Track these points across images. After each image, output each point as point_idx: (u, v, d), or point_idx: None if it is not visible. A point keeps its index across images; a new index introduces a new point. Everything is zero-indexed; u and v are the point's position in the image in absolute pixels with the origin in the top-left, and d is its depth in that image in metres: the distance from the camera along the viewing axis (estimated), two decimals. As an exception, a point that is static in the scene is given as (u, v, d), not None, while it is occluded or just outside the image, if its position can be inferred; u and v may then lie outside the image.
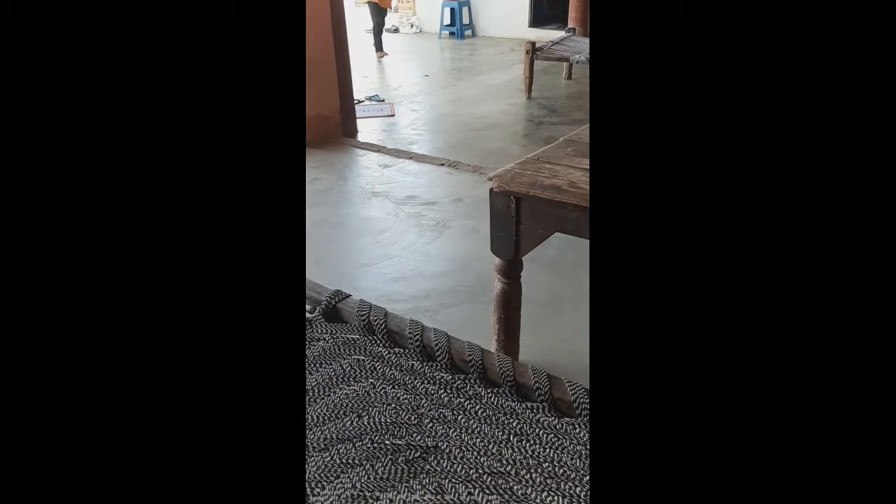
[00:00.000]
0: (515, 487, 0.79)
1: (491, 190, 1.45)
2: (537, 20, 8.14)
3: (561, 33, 5.96)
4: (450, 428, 0.91)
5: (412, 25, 9.16)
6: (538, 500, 0.78)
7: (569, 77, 5.71)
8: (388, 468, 0.84)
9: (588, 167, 1.52)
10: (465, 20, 8.41)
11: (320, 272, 2.32)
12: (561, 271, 2.35)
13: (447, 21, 8.41)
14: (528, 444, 0.87)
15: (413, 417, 0.93)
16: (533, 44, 4.93)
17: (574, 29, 6.00)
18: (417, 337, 1.07)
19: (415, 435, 0.89)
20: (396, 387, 0.99)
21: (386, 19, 7.46)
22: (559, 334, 1.96)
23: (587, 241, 1.41)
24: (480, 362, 1.02)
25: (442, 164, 3.58)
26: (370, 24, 7.31)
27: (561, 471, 0.82)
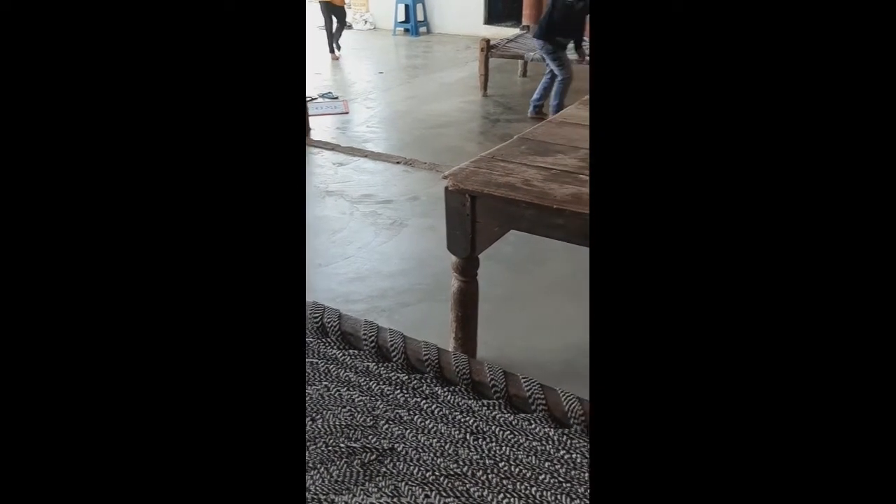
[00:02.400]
0: (472, 490, 0.79)
1: (446, 188, 1.44)
2: (492, 17, 8.18)
3: (515, 31, 6.00)
4: (406, 429, 0.90)
5: (366, 22, 9.07)
6: (494, 503, 0.78)
7: (524, 74, 5.75)
8: (343, 471, 0.82)
9: (542, 165, 1.54)
10: (420, 17, 8.38)
11: (274, 273, 2.26)
12: (518, 267, 2.37)
13: (401, 18, 8.36)
14: (484, 443, 0.87)
15: (368, 419, 0.91)
16: (488, 41, 4.95)
17: (528, 26, 6.05)
18: (372, 338, 1.06)
19: (370, 437, 0.88)
20: (351, 389, 0.97)
21: (345, 19, 7.24)
22: (517, 330, 1.98)
23: (543, 238, 1.42)
24: (437, 361, 1.02)
25: (398, 162, 3.56)
26: (322, 21, 7.16)
27: (517, 470, 0.82)
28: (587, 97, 2.28)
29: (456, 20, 8.28)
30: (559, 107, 3.99)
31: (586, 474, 0.82)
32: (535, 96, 4.32)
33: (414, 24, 8.26)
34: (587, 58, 4.61)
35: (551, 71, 4.11)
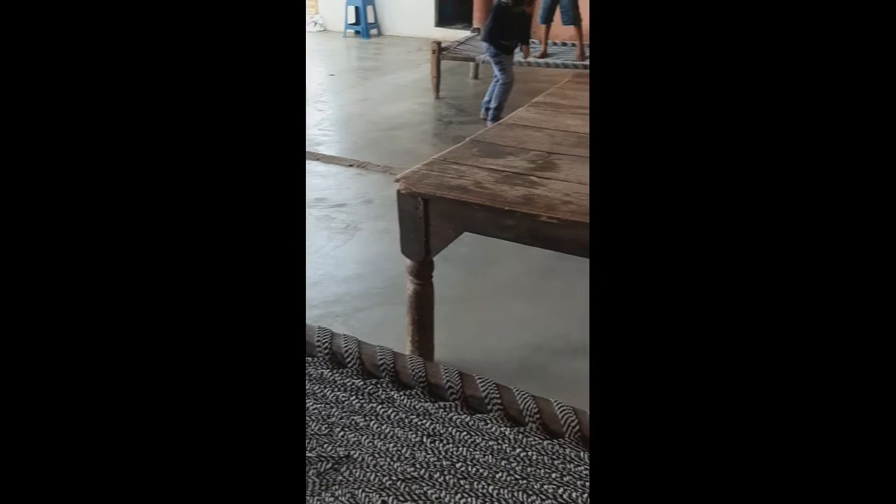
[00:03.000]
0: (430, 492, 0.79)
1: (398, 192, 1.44)
2: (443, 20, 8.21)
3: (466, 33, 6.04)
4: (362, 435, 0.89)
5: (315, 24, 8.96)
6: None
7: (476, 76, 5.80)
8: (298, 482, 0.81)
9: (494, 167, 1.55)
10: (371, 19, 8.33)
11: (225, 281, 2.21)
12: (474, 268, 2.38)
13: (352, 20, 8.30)
14: (441, 445, 0.88)
15: (324, 427, 0.91)
16: (439, 43, 4.96)
17: (479, 29, 6.10)
18: (326, 344, 1.05)
19: (325, 445, 0.87)
20: (305, 397, 0.96)
21: None
22: (473, 331, 1.99)
23: (497, 239, 1.43)
24: (392, 365, 1.01)
25: (351, 165, 3.53)
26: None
27: (474, 470, 0.83)
28: (537, 99, 2.31)
29: (407, 22, 8.27)
30: (498, 110, 4.00)
31: (542, 471, 0.83)
32: (486, 98, 4.35)
33: (364, 25, 8.21)
34: (530, 58, 4.68)
35: None
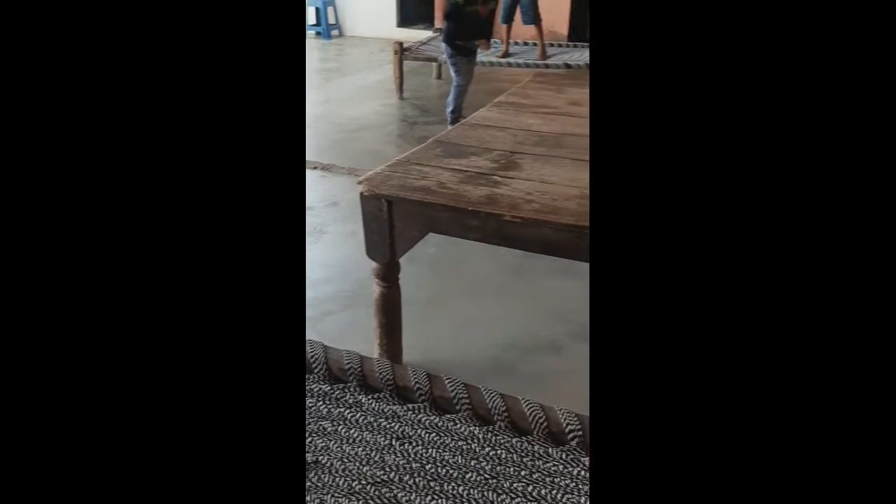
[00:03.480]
0: (400, 495, 0.79)
1: (361, 194, 1.44)
2: (405, 20, 8.19)
3: (428, 33, 6.04)
4: (330, 440, 0.89)
5: (276, 25, 8.83)
6: (420, 504, 0.78)
7: (439, 77, 5.80)
8: (266, 492, 0.80)
9: (457, 167, 1.56)
10: (332, 20, 8.26)
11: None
12: (442, 268, 2.39)
13: (312, 20, 8.22)
14: (410, 447, 0.88)
15: (291, 435, 0.89)
16: (401, 44, 4.95)
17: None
18: (292, 350, 1.04)
19: (294, 453, 0.86)
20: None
21: None
22: (442, 331, 1.99)
23: (465, 239, 1.44)
24: (360, 369, 1.01)
25: (315, 168, 3.49)
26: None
27: (444, 471, 0.83)
28: (499, 99, 2.33)
29: (368, 23, 8.23)
30: (454, 112, 3.92)
31: (511, 469, 0.84)
32: (448, 100, 4.36)
33: (325, 26, 8.13)
34: (492, 58, 4.69)
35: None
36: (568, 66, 4.66)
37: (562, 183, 1.46)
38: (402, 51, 4.92)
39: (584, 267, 1.69)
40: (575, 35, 6.79)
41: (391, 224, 1.43)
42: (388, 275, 1.54)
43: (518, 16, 4.96)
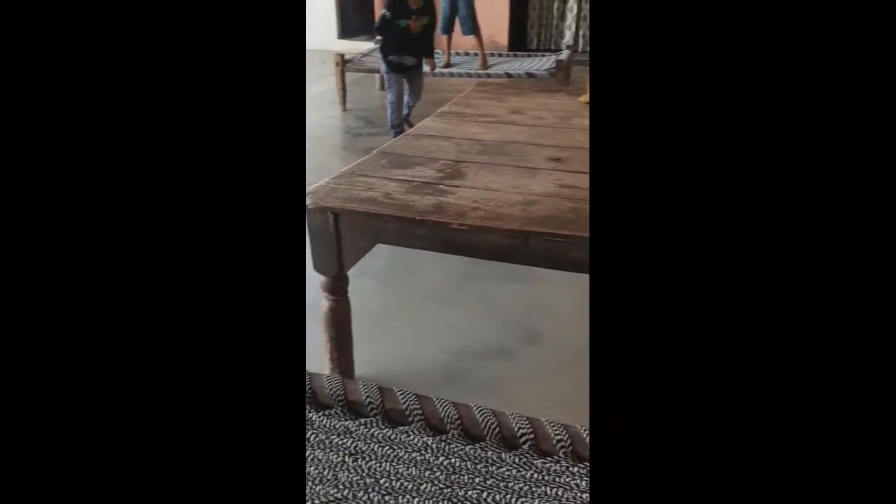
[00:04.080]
0: (353, 510, 0.78)
1: (307, 207, 1.42)
2: (345, 31, 8.16)
3: (370, 45, 6.03)
4: (281, 461, 0.86)
5: (213, 37, 8.64)
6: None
7: (382, 88, 5.80)
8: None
9: (403, 178, 1.56)
10: (271, 32, 8.16)
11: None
12: (392, 279, 2.38)
13: (252, 33, 8.08)
14: (364, 462, 0.86)
15: (240, 458, 0.87)
16: (342, 56, 4.93)
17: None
18: (238, 371, 1.01)
19: (243, 477, 0.84)
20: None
21: None
22: (394, 343, 1.98)
23: (413, 248, 1.44)
24: (309, 387, 0.99)
25: (259, 183, 3.42)
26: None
27: (398, 484, 0.83)
28: (442, 109, 2.35)
29: (309, 35, 8.15)
30: (394, 127, 3.83)
31: (465, 477, 0.84)
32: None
33: (265, 39, 8.02)
34: (436, 71, 4.72)
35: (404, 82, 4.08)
36: (509, 75, 4.75)
37: (506, 190, 1.48)
38: (343, 62, 4.90)
39: (531, 271, 1.72)
40: (515, 45, 6.93)
41: (338, 236, 1.41)
42: (337, 288, 1.52)
43: (458, 27, 5.03)
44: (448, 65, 5.11)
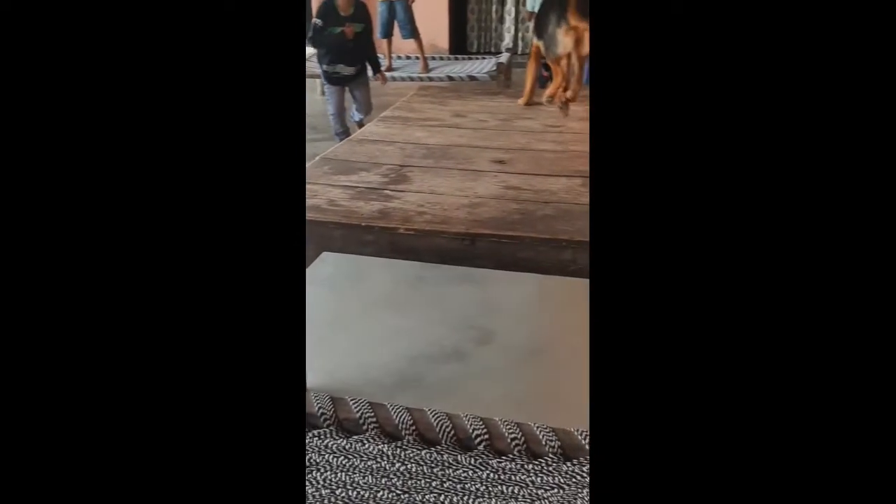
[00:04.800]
0: (309, 524, 0.77)
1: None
2: (284, 37, 8.03)
3: (310, 50, 5.96)
4: (232, 480, 0.84)
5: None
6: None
7: (322, 93, 5.74)
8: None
9: (347, 184, 1.55)
10: (206, 38, 7.93)
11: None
12: (341, 287, 2.34)
13: (185, 39, 7.84)
14: (319, 475, 0.85)
15: (188, 480, 0.84)
16: (281, 61, 4.84)
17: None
18: (183, 390, 0.98)
19: (192, 499, 0.81)
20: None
21: None
22: (348, 350, 1.95)
23: (360, 256, 1.43)
24: (259, 401, 0.97)
25: (199, 194, 3.32)
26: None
27: (355, 493, 0.82)
28: (385, 114, 2.34)
29: (246, 40, 7.98)
30: (342, 134, 3.73)
31: (422, 482, 0.84)
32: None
33: (200, 45, 7.79)
34: (385, 82, 4.70)
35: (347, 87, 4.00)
36: (451, 78, 4.78)
37: (451, 193, 1.49)
38: (283, 68, 4.81)
39: (481, 273, 1.74)
40: (455, 48, 6.98)
41: (283, 246, 1.39)
42: (284, 299, 1.49)
43: (397, 30, 5.03)
44: (389, 69, 5.10)
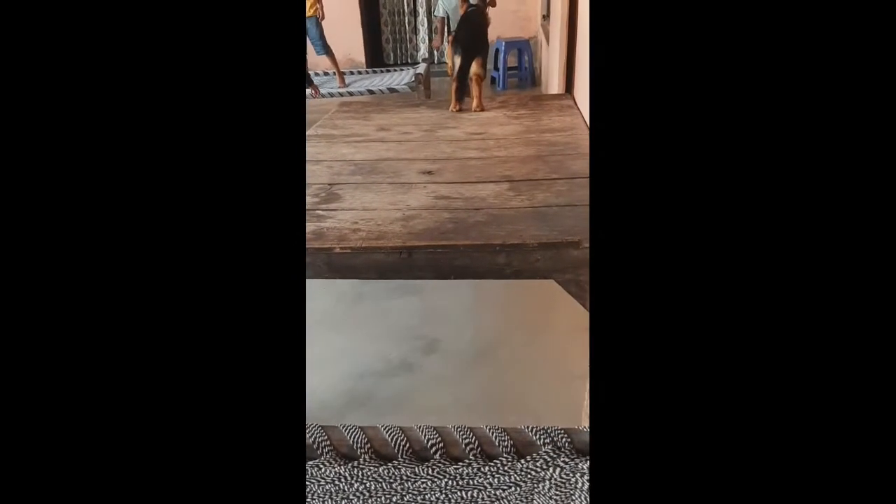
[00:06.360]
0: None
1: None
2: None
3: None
4: None
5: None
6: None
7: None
8: None
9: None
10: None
11: None
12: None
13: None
14: None
15: None
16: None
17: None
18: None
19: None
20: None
21: None
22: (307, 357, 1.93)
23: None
24: (207, 440, 0.94)
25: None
26: None
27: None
28: (309, 132, 2.32)
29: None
30: None
31: (382, 498, 0.84)
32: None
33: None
34: (318, 94, 4.66)
35: None
36: (371, 91, 4.79)
37: (384, 208, 1.50)
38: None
39: (421, 284, 1.76)
40: (372, 61, 6.99)
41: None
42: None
43: (310, 48, 5.00)
44: (342, 83, 5.08)
